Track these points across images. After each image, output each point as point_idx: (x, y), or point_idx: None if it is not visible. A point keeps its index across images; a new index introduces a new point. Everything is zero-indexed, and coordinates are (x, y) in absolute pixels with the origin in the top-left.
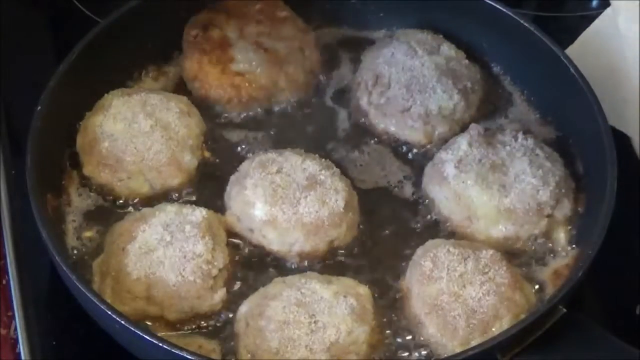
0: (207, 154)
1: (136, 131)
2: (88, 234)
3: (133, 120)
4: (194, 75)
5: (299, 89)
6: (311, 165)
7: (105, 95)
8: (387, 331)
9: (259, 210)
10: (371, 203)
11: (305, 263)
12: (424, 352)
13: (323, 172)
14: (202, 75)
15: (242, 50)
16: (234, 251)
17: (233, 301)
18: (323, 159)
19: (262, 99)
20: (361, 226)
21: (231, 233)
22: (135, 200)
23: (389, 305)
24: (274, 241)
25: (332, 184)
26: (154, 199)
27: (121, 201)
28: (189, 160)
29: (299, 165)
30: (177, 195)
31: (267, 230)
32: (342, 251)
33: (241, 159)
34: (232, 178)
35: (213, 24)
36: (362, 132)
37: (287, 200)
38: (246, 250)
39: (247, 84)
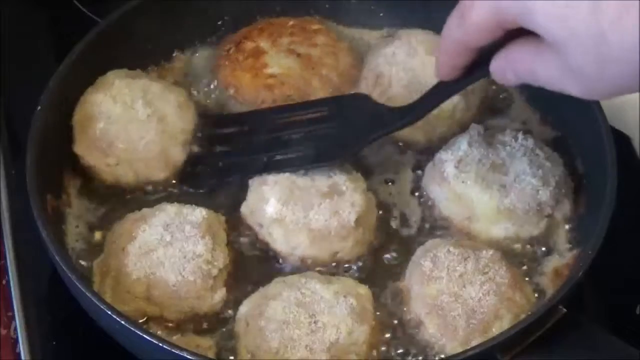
0: (195, 149)
1: (133, 117)
2: (88, 233)
3: (132, 106)
4: (228, 83)
5: (334, 89)
6: (338, 174)
7: (109, 72)
8: (387, 331)
9: (271, 207)
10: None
11: (308, 263)
12: (424, 352)
13: (347, 183)
14: (235, 81)
15: (274, 57)
16: (235, 251)
17: (233, 301)
18: (355, 171)
19: (296, 99)
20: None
21: (236, 229)
22: (134, 200)
23: (389, 306)
24: (278, 240)
25: (351, 197)
26: (136, 189)
27: (120, 202)
28: (178, 155)
29: (326, 171)
30: (161, 188)
31: (274, 228)
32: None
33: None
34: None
35: (246, 38)
36: None
37: (300, 202)
38: (247, 250)
39: (280, 84)
